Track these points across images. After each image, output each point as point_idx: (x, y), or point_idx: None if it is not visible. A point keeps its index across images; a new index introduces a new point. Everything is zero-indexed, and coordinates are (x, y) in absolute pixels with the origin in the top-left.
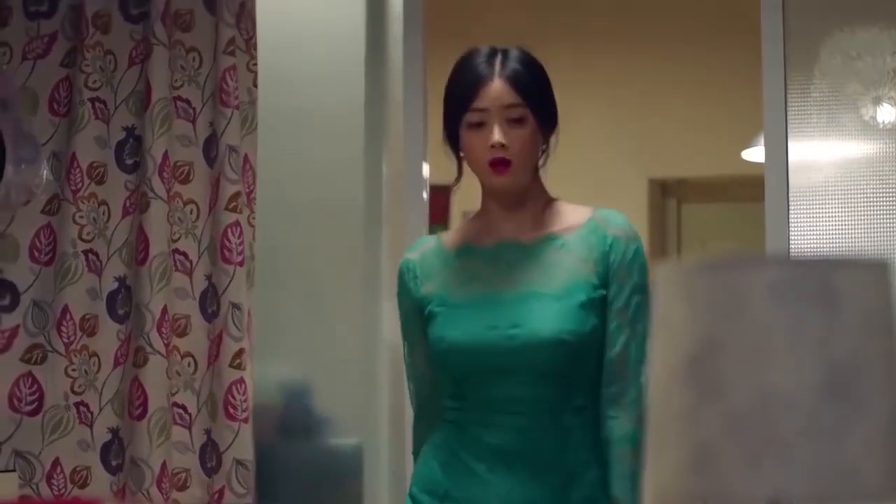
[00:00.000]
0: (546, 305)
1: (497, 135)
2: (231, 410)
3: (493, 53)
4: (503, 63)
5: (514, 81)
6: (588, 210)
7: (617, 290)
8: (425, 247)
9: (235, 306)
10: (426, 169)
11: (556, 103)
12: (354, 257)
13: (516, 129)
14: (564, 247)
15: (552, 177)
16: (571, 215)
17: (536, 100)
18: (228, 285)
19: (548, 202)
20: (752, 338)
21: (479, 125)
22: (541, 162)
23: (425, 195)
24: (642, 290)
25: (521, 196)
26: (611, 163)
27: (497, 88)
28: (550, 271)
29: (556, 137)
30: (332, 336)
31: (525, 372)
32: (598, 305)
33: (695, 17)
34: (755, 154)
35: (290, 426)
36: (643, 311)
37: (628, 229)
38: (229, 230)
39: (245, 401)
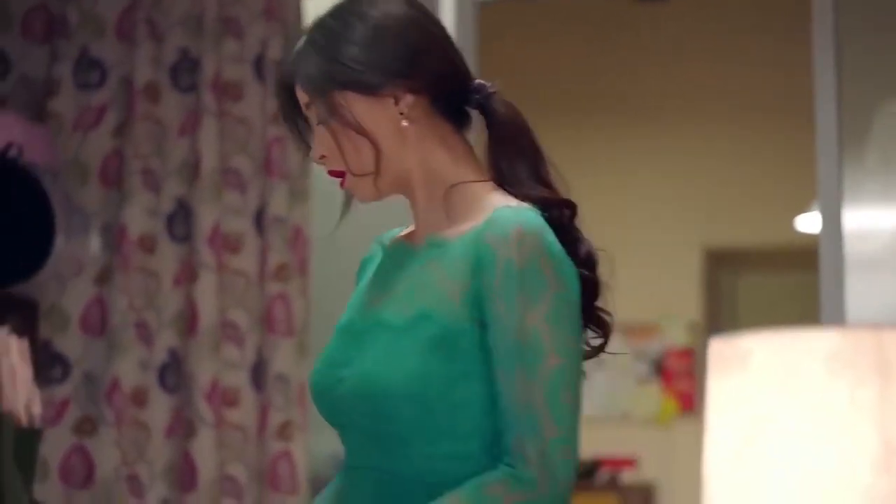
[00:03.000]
0: (387, 340)
1: (313, 149)
2: (277, 483)
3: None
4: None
5: (296, 71)
6: (494, 207)
7: (496, 318)
8: (389, 237)
9: (282, 378)
10: None
11: (382, 39)
12: None
13: (321, 131)
14: (441, 257)
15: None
16: (473, 211)
17: (334, 77)
18: (276, 356)
19: (456, 187)
20: (807, 412)
21: None
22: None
23: None
24: (540, 310)
25: (405, 186)
26: (663, 231)
27: (299, 88)
28: (412, 291)
29: (409, 81)
30: None
31: (359, 430)
32: (465, 342)
33: (749, 85)
34: (809, 222)
35: None
36: (544, 340)
37: (513, 233)
38: (277, 301)
39: (293, 473)
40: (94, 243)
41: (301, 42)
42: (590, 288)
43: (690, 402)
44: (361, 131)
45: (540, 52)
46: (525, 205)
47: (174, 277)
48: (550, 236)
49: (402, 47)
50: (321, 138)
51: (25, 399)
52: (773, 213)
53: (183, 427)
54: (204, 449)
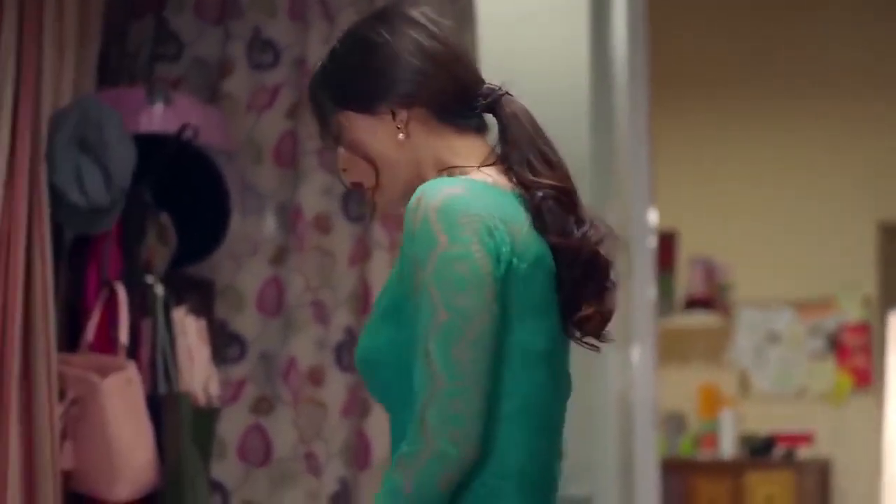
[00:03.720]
0: (371, 316)
1: (337, 163)
2: None
3: None
4: None
5: (313, 96)
6: None
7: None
8: None
9: None
10: (653, 216)
11: (376, 67)
12: None
13: (340, 147)
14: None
15: (769, 224)
16: None
17: (336, 99)
18: None
19: (444, 171)
20: None
21: None
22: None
23: (652, 243)
24: (428, 269)
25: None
26: (838, 206)
27: None
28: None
29: (396, 100)
30: None
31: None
32: (407, 310)
33: None
34: None
35: None
36: (432, 297)
37: (415, 200)
38: None
39: None
40: (270, 223)
41: (317, 67)
42: (594, 266)
43: (867, 377)
44: (358, 151)
45: (712, 30)
46: (475, 177)
47: (349, 257)
48: (458, 200)
49: (400, 69)
50: (340, 154)
51: (203, 379)
52: None
53: (358, 406)
54: (378, 427)
